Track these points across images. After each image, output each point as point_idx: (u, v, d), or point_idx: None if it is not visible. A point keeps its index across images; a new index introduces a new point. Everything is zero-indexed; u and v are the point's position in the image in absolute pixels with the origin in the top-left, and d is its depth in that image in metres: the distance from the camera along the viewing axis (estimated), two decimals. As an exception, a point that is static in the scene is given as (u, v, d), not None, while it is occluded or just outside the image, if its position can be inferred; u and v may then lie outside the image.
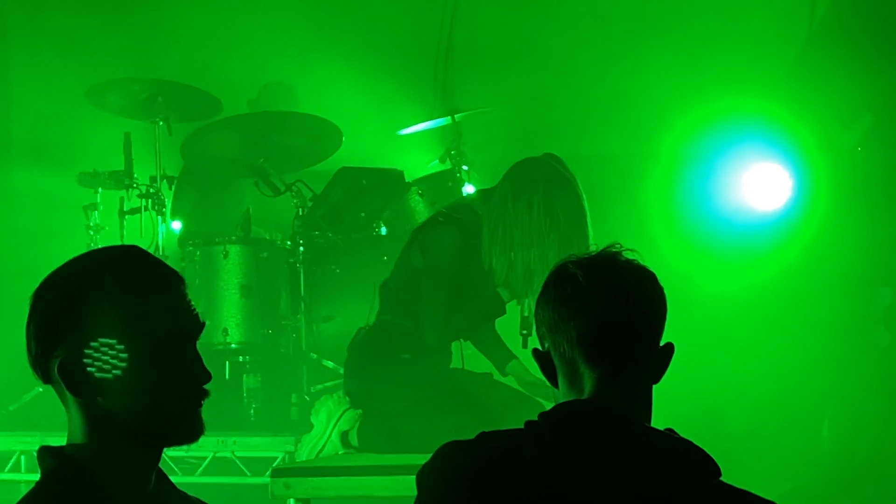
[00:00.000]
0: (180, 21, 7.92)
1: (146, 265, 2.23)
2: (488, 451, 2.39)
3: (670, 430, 2.39)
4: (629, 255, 2.51)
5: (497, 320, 5.24)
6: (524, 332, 4.91)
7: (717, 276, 6.95)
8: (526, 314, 4.89)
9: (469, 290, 5.00)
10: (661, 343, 2.50)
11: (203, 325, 2.26)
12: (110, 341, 2.14)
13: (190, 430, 2.22)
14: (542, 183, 4.83)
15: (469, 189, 6.60)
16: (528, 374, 5.14)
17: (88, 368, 2.14)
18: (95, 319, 2.14)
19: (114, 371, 2.14)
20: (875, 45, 6.45)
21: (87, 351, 2.14)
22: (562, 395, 2.49)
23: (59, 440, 2.23)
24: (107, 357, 2.14)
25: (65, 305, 2.16)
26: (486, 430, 2.48)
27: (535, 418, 2.42)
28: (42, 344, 2.18)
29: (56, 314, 2.16)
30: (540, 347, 2.55)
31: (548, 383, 2.55)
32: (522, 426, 2.43)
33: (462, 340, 5.32)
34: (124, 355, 2.15)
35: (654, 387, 2.50)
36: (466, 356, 5.40)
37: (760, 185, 7.13)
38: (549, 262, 4.71)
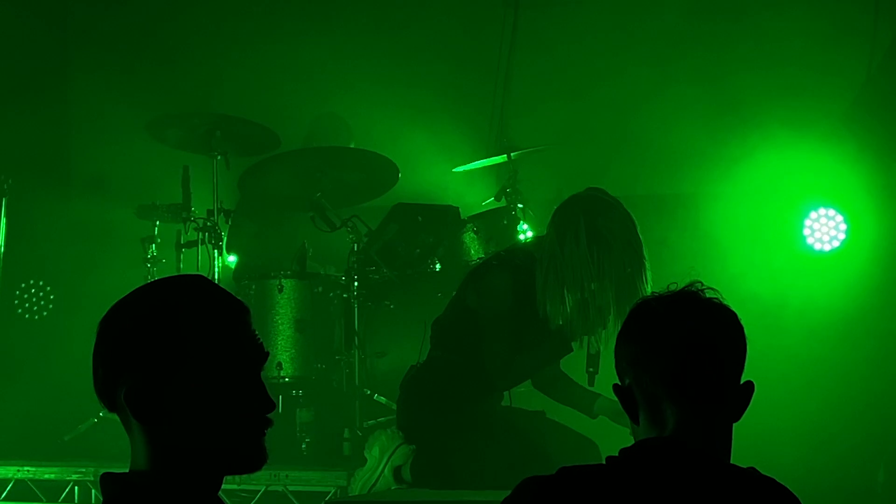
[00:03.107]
0: (239, 56, 8.00)
1: (214, 294, 2.26)
2: (569, 487, 2.40)
3: (752, 468, 2.40)
4: (710, 294, 2.55)
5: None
6: (590, 369, 4.88)
7: (774, 314, 6.91)
8: (592, 352, 4.86)
9: (530, 332, 4.98)
10: (741, 381, 2.53)
11: (267, 354, 2.28)
12: (178, 369, 2.16)
13: (253, 459, 2.23)
14: (583, 215, 4.81)
15: (524, 227, 6.59)
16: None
17: (155, 395, 2.16)
18: (163, 347, 2.17)
19: (180, 398, 2.17)
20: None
21: (154, 378, 2.16)
22: (642, 430, 2.52)
23: (114, 471, 2.24)
24: (174, 384, 2.16)
25: (133, 333, 2.18)
26: (539, 467, 2.48)
27: (590, 455, 2.43)
28: (110, 371, 2.20)
29: (124, 341, 2.18)
30: (619, 383, 2.57)
31: None
32: (575, 464, 2.44)
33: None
34: (191, 383, 2.17)
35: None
36: (515, 394, 5.38)
37: (818, 226, 7.14)
38: (606, 293, 4.69)
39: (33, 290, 7.67)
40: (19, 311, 7.63)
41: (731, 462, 2.45)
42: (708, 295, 2.55)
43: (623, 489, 2.35)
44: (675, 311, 2.51)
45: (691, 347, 2.47)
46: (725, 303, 2.55)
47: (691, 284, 2.57)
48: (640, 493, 2.34)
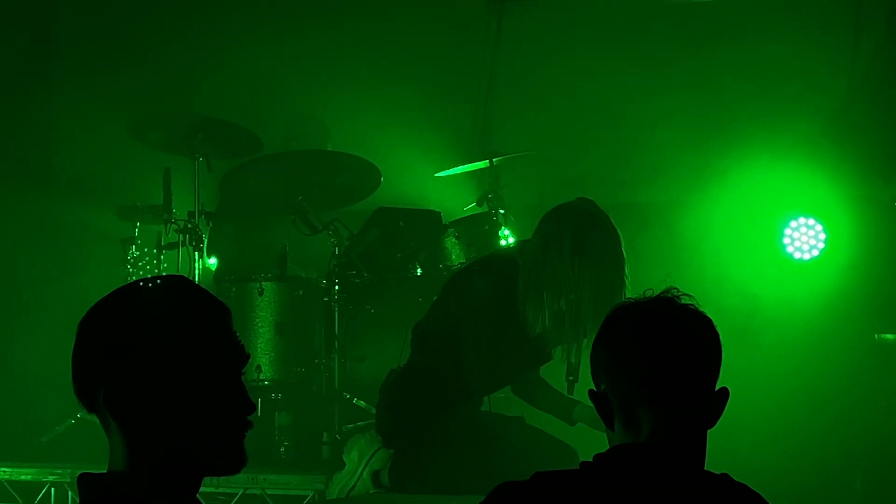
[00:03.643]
0: (222, 58, 7.98)
1: (195, 295, 2.26)
2: (544, 492, 2.40)
3: (726, 474, 2.41)
4: (685, 300, 2.56)
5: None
6: (570, 378, 4.88)
7: (753, 322, 6.94)
8: (573, 360, 4.87)
9: (511, 339, 4.98)
10: (717, 388, 2.54)
11: (248, 356, 2.28)
12: (158, 370, 2.16)
13: (233, 461, 2.23)
14: (570, 226, 4.80)
15: (505, 232, 6.60)
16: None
17: (135, 396, 2.16)
18: (143, 348, 2.17)
19: (160, 399, 2.16)
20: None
21: (133, 379, 2.16)
22: (617, 436, 2.53)
23: (91, 472, 2.24)
24: (153, 386, 2.16)
25: (114, 333, 2.18)
26: (517, 472, 2.48)
27: (568, 461, 2.44)
28: (89, 372, 2.20)
29: (105, 342, 2.18)
30: (595, 388, 2.58)
31: None
32: (554, 469, 2.44)
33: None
34: (171, 384, 2.17)
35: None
36: (494, 399, 5.38)
37: (798, 235, 7.19)
38: (585, 303, 4.70)
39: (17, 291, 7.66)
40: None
41: (707, 469, 2.45)
42: (684, 301, 2.55)
43: (597, 494, 2.35)
44: (650, 317, 2.51)
45: (667, 353, 2.48)
46: (701, 309, 2.56)
47: (667, 291, 2.57)
48: (614, 498, 2.34)
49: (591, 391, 2.59)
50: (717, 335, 2.55)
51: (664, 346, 2.48)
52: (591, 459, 2.48)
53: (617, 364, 2.51)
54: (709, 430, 2.54)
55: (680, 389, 2.48)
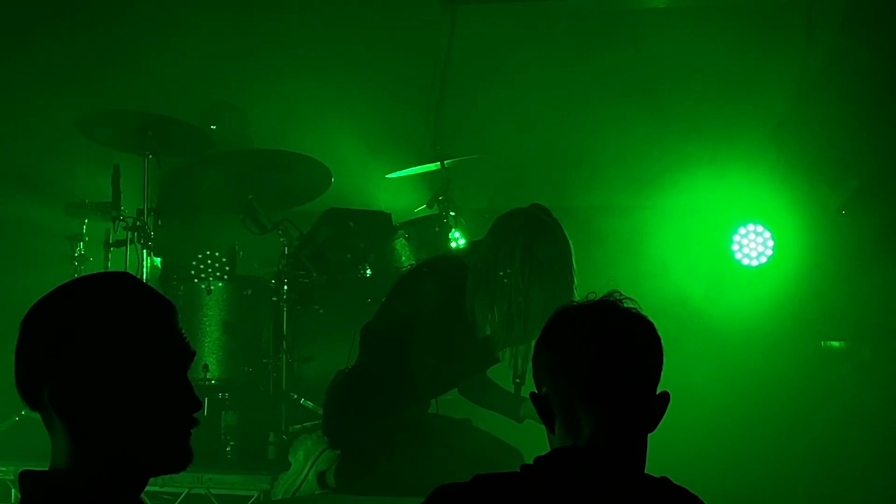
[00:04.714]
0: (173, 56, 7.92)
1: (139, 292, 2.24)
2: (483, 495, 2.40)
3: (665, 477, 2.41)
4: (628, 304, 2.56)
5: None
6: (517, 380, 4.90)
7: (702, 328, 6.98)
8: (520, 363, 4.88)
9: (459, 341, 4.98)
10: (657, 392, 2.54)
11: (194, 354, 2.27)
12: (102, 367, 2.14)
13: (178, 458, 2.22)
14: (522, 232, 4.83)
15: (455, 235, 6.60)
16: None
17: (79, 394, 2.14)
18: (86, 345, 2.15)
19: (104, 397, 2.15)
20: (863, 109, 6.50)
21: (77, 376, 2.14)
22: (558, 439, 2.52)
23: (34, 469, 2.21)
24: (98, 383, 2.14)
25: (56, 331, 2.16)
26: (462, 475, 2.48)
27: (513, 464, 2.43)
28: (33, 369, 2.18)
29: (47, 340, 2.16)
30: (537, 391, 2.58)
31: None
32: (500, 471, 2.44)
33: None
34: (115, 381, 2.15)
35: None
36: (441, 401, 5.38)
37: (747, 242, 7.24)
38: (533, 309, 4.71)
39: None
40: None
41: (651, 473, 2.45)
42: (626, 305, 2.55)
43: (536, 498, 2.35)
44: (592, 320, 2.51)
45: (608, 357, 2.48)
46: (643, 313, 2.56)
47: (610, 294, 2.57)
48: (552, 501, 2.34)
49: (532, 394, 2.60)
50: (658, 339, 2.55)
51: (606, 348, 2.48)
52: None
53: (559, 366, 2.51)
54: (656, 437, 2.55)
55: (621, 392, 2.48)
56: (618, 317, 2.53)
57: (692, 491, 2.41)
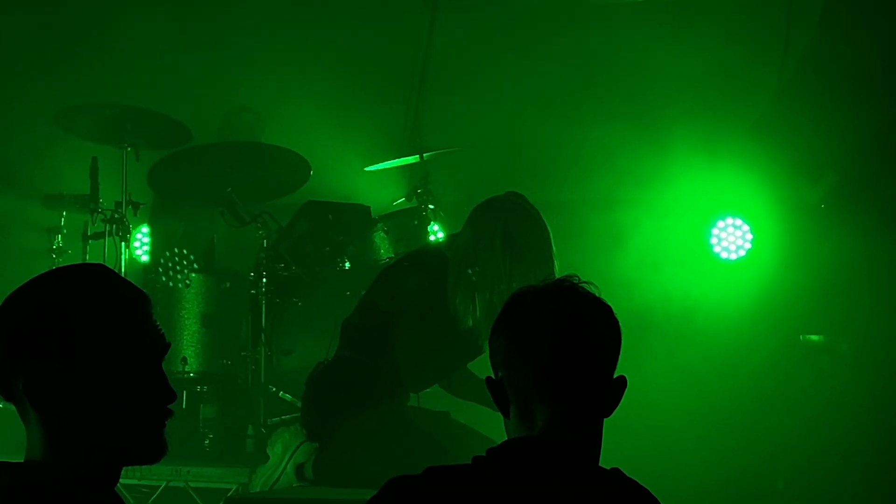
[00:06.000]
0: (152, 47, 7.89)
1: (114, 284, 2.24)
2: (435, 486, 2.38)
3: (616, 469, 2.39)
4: (586, 287, 2.51)
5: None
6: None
7: (680, 321, 6.99)
8: None
9: (442, 334, 4.98)
10: (614, 376, 2.50)
11: (168, 345, 2.28)
12: (76, 358, 2.14)
13: (153, 450, 2.22)
14: (501, 220, 4.84)
15: (434, 228, 6.60)
16: None
17: (54, 385, 2.14)
18: (61, 336, 2.15)
19: (79, 388, 2.14)
20: (842, 104, 6.51)
21: (52, 368, 2.14)
22: (513, 426, 2.49)
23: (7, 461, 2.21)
24: (72, 374, 2.14)
25: (32, 322, 2.16)
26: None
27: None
28: (7, 360, 2.17)
29: (23, 331, 2.16)
30: (493, 376, 2.55)
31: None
32: (472, 462, 2.43)
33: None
34: (90, 372, 2.15)
35: (611, 429, 2.50)
36: (422, 394, 5.38)
37: (725, 235, 7.26)
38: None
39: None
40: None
41: (627, 467, 2.42)
42: (584, 288, 2.51)
43: (487, 489, 2.33)
44: (547, 305, 2.47)
45: (562, 342, 2.44)
46: (601, 296, 2.51)
47: (567, 278, 2.53)
48: (503, 493, 2.32)
49: (488, 378, 2.56)
50: (616, 322, 2.50)
51: (560, 335, 2.44)
52: None
53: (513, 353, 2.47)
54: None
55: (574, 381, 2.44)
56: (574, 300, 2.48)
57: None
